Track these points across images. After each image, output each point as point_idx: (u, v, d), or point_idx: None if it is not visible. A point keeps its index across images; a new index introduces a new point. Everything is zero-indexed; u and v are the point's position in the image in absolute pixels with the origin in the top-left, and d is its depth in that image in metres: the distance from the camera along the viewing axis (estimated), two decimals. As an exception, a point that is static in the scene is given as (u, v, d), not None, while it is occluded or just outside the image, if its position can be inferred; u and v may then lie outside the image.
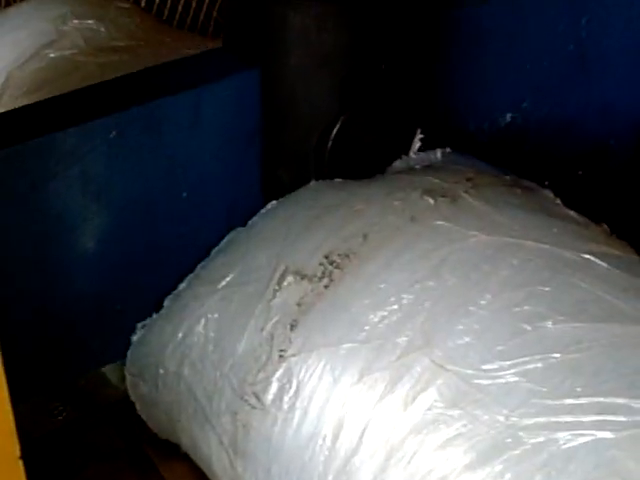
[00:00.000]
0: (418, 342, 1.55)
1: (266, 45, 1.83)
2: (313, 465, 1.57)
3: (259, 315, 1.69)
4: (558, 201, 1.85)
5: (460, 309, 1.56)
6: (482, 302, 1.56)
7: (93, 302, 1.81)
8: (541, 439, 1.41)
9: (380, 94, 1.87)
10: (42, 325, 1.76)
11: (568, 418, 1.41)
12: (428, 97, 2.02)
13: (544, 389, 1.45)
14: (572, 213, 1.80)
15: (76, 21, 2.53)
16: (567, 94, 2.36)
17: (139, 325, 1.88)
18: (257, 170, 1.91)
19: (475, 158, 1.98)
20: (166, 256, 1.87)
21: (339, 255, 1.69)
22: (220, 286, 1.78)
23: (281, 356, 1.64)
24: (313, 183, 1.88)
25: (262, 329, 1.68)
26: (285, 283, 1.69)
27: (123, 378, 1.94)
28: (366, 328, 1.59)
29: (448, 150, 1.98)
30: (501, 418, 1.44)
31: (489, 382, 1.48)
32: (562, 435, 1.40)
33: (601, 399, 1.41)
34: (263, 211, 1.88)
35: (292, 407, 1.60)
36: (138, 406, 1.93)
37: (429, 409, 1.49)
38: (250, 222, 1.88)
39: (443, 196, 1.74)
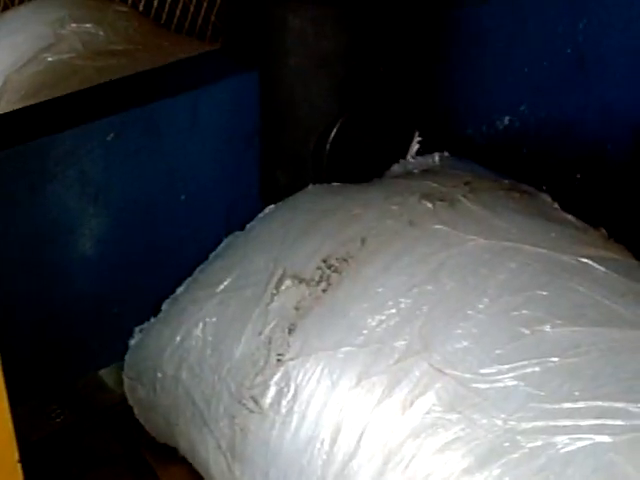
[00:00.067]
0: (416, 346, 1.55)
1: (264, 47, 1.83)
2: (311, 469, 1.56)
3: (257, 319, 1.69)
4: (556, 205, 1.85)
5: (458, 313, 1.56)
6: (480, 306, 1.56)
7: (91, 304, 1.81)
8: (539, 443, 1.41)
9: (378, 96, 1.87)
10: (40, 327, 1.75)
11: (566, 422, 1.41)
12: (426, 99, 2.02)
13: (542, 393, 1.45)
14: (570, 217, 1.80)
15: (74, 25, 2.53)
16: (565, 97, 2.36)
17: (137, 329, 1.88)
18: (255, 172, 1.91)
19: (473, 162, 1.98)
20: (164, 258, 1.87)
21: (337, 259, 1.69)
22: (218, 290, 1.78)
23: (279, 360, 1.64)
24: (311, 187, 1.88)
25: (260, 333, 1.68)
26: (283, 287, 1.69)
27: (120, 382, 1.93)
28: (364, 332, 1.59)
29: (446, 154, 1.98)
30: (499, 422, 1.44)
31: (487, 386, 1.48)
32: (560, 439, 1.40)
33: (599, 403, 1.41)
34: (261, 215, 1.88)
35: (290, 411, 1.60)
36: (136, 410, 1.93)
37: (427, 413, 1.49)
38: (248, 226, 1.88)
39: (441, 200, 1.74)
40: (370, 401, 1.54)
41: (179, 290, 1.86)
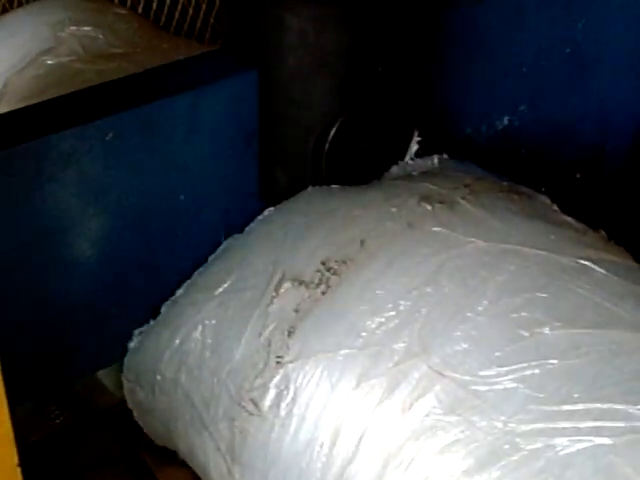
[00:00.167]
0: (415, 348, 1.55)
1: (264, 47, 1.83)
2: (310, 472, 1.56)
3: (256, 321, 1.69)
4: (555, 207, 1.85)
5: (457, 315, 1.56)
6: (479, 308, 1.56)
7: (89, 304, 1.81)
8: (539, 445, 1.41)
9: (377, 96, 1.87)
10: (37, 328, 1.75)
11: (566, 424, 1.41)
12: (425, 99, 2.02)
13: (542, 395, 1.45)
14: (569, 219, 1.80)
15: (74, 27, 2.53)
16: (564, 96, 2.36)
17: (136, 332, 1.88)
18: (254, 171, 1.91)
19: (472, 164, 1.98)
20: (163, 259, 1.86)
21: (336, 261, 1.69)
22: (217, 292, 1.78)
23: (278, 362, 1.64)
24: (310, 189, 1.88)
25: (259, 335, 1.68)
26: (282, 289, 1.69)
27: (120, 384, 1.93)
28: (363, 334, 1.59)
29: (445, 156, 1.98)
30: (499, 424, 1.44)
31: (487, 388, 1.48)
32: (560, 441, 1.40)
33: (599, 405, 1.42)
34: (260, 217, 1.88)
35: (289, 413, 1.60)
36: (135, 413, 1.93)
37: (427, 415, 1.49)
38: (247, 228, 1.88)
39: (440, 202, 1.75)
40: (369, 403, 1.54)
41: (178, 292, 1.86)
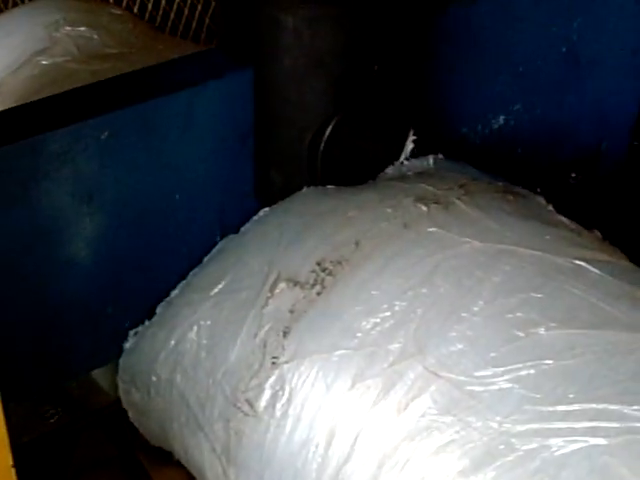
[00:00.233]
0: (411, 349, 1.55)
1: (259, 47, 1.82)
2: (306, 472, 1.56)
3: (252, 322, 1.69)
4: (550, 208, 1.85)
5: (453, 316, 1.56)
6: (475, 309, 1.56)
7: (84, 303, 1.81)
8: (534, 446, 1.41)
9: (373, 96, 1.87)
10: (32, 327, 1.75)
11: (561, 424, 1.41)
12: (421, 99, 2.02)
13: (537, 396, 1.45)
14: (564, 220, 1.80)
15: (69, 28, 2.52)
16: (560, 96, 2.36)
17: (131, 332, 1.87)
18: (250, 171, 1.91)
19: (467, 165, 1.98)
20: (158, 258, 1.86)
21: (331, 262, 1.68)
22: (212, 293, 1.78)
23: (274, 363, 1.64)
24: (305, 190, 1.88)
25: (255, 336, 1.68)
26: (277, 290, 1.69)
27: (115, 385, 1.93)
28: (358, 335, 1.59)
29: (440, 157, 1.98)
30: (494, 425, 1.44)
31: (482, 389, 1.48)
32: (555, 441, 1.40)
33: (594, 405, 1.42)
34: (255, 218, 1.88)
35: (285, 414, 1.60)
36: (131, 414, 1.92)
37: (422, 416, 1.49)
38: (242, 229, 1.88)
39: (436, 203, 1.74)
40: (365, 404, 1.54)
41: (173, 293, 1.86)
